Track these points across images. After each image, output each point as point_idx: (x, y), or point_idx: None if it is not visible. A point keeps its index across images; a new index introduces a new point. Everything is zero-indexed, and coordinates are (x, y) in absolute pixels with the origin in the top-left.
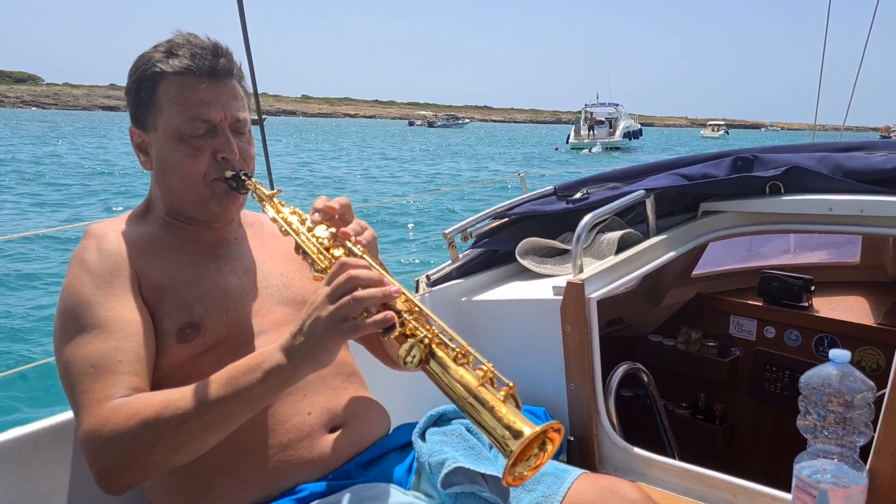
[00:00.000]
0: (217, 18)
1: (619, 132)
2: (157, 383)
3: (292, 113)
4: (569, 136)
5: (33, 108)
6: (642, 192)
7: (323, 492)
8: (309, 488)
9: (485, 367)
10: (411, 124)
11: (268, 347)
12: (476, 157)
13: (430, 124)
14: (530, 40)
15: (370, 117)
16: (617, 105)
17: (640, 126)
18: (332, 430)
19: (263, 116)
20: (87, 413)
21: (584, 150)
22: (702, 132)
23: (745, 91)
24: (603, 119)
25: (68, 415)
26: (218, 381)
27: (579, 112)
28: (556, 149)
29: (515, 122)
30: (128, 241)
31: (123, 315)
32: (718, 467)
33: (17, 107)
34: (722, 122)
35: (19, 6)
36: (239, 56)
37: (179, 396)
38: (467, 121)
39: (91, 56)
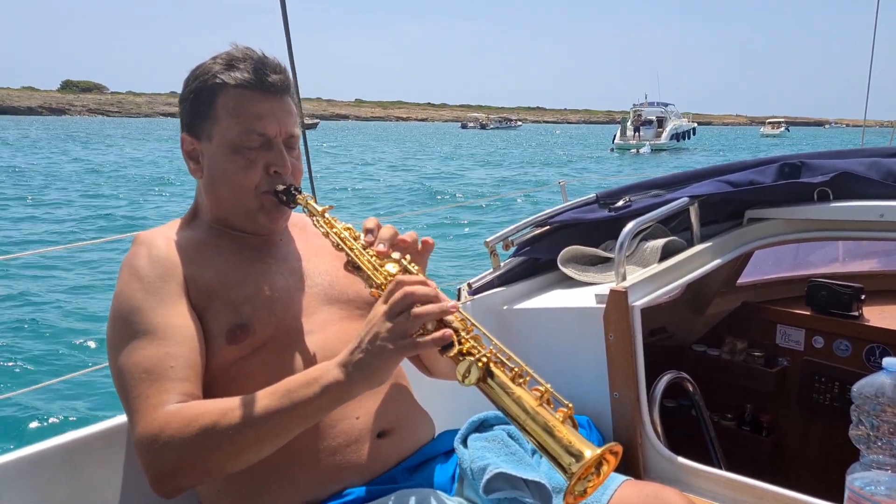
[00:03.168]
0: (262, 26)
1: (665, 134)
2: (205, 384)
3: (345, 117)
4: (615, 136)
5: (99, 116)
6: (686, 199)
7: (369, 496)
8: (355, 493)
9: (542, 388)
10: (464, 127)
11: (325, 363)
12: (523, 163)
13: (483, 126)
14: (583, 40)
15: (422, 120)
16: (667, 105)
17: (693, 125)
18: (379, 436)
19: (316, 121)
20: (143, 418)
21: (631, 151)
22: (761, 130)
23: (807, 87)
24: (652, 119)
25: (120, 419)
26: (275, 393)
27: (629, 112)
28: (612, 150)
29: (568, 122)
30: (177, 246)
31: (174, 321)
32: (765, 479)
33: (84, 115)
34: (782, 120)
35: (86, 20)
36: (283, 61)
37: (237, 406)
38: (520, 123)
39: (152, 64)
